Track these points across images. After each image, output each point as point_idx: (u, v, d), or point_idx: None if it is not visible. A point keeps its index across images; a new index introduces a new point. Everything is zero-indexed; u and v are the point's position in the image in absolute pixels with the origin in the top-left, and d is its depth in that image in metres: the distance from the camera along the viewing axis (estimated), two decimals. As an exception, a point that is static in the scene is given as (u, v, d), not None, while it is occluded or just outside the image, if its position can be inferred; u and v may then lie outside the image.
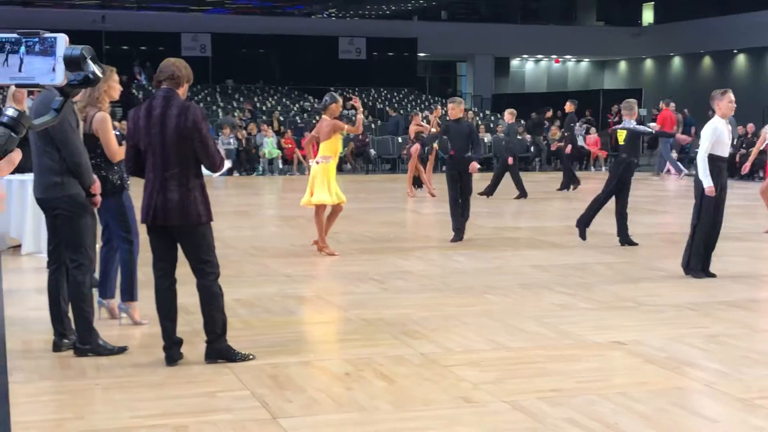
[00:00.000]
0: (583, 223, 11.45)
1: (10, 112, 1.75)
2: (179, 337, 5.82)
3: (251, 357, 5.86)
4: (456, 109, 11.38)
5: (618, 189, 11.22)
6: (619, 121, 16.98)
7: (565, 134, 19.87)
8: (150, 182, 5.67)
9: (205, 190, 5.71)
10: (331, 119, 10.23)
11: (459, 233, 11.35)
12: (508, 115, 18.45)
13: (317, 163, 10.28)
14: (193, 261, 5.74)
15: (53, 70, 1.84)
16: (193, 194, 5.60)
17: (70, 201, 5.92)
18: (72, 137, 5.88)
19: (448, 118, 11.20)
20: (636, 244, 11.31)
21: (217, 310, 5.75)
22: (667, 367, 5.85)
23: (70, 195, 5.92)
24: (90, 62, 1.83)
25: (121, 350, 6.08)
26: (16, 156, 1.79)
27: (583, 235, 11.39)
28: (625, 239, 11.37)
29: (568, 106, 19.53)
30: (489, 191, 17.90)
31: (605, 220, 14.08)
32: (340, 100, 10.47)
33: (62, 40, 1.86)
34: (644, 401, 5.12)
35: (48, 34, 1.87)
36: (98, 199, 6.18)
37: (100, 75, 1.83)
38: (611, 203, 11.38)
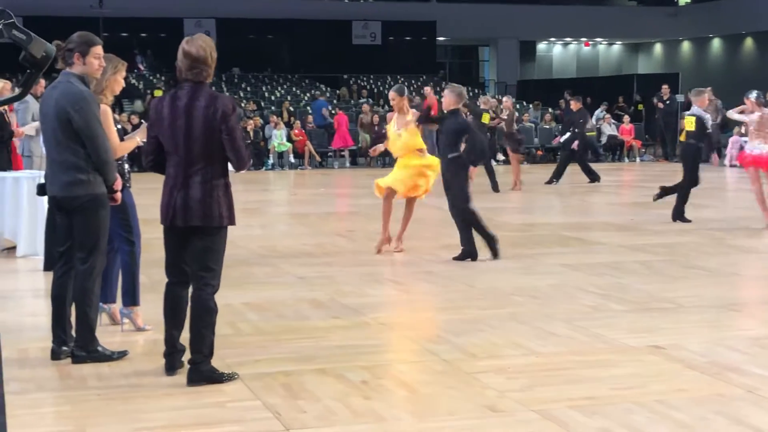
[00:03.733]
0: (679, 214, 13.11)
1: None
2: (182, 344, 5.79)
3: (236, 376, 5.73)
4: (449, 98, 10.07)
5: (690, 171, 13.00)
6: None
7: (575, 131, 19.88)
8: (171, 179, 5.56)
9: (229, 190, 5.60)
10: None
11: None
12: (575, 103, 19.91)
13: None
14: (196, 265, 5.61)
15: None
16: (216, 193, 5.50)
17: (95, 200, 5.96)
18: (100, 132, 5.93)
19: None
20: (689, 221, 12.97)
21: (208, 327, 5.61)
22: (708, 372, 5.83)
23: (95, 194, 5.96)
24: (2, 28, 1.73)
25: (122, 355, 6.12)
26: None
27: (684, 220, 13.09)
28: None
29: (574, 105, 19.85)
30: (556, 176, 19.74)
31: (640, 216, 14.05)
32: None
33: None
34: (684, 409, 5.12)
35: None
36: (119, 195, 6.24)
37: (23, 38, 1.75)
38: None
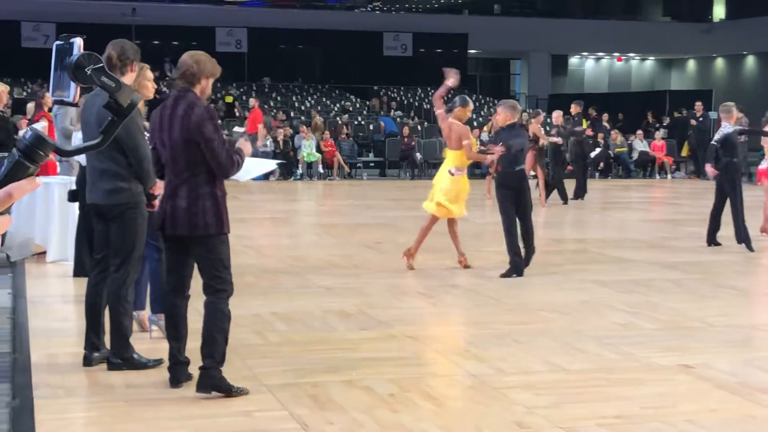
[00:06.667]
0: (746, 239, 12.05)
1: (28, 135, 1.64)
2: (187, 357, 5.75)
3: (246, 391, 5.63)
4: (504, 113, 10.02)
5: (729, 191, 12.13)
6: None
7: (575, 138, 19.80)
8: (165, 188, 5.68)
9: (218, 199, 5.56)
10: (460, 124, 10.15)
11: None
12: (575, 107, 19.52)
13: (451, 174, 10.06)
14: (204, 276, 5.63)
15: (68, 83, 1.75)
16: (202, 202, 5.49)
17: (134, 207, 6.04)
18: (142, 142, 6.00)
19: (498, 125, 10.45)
20: (719, 245, 12.21)
21: (221, 332, 5.55)
22: (739, 393, 5.80)
23: (135, 202, 6.05)
24: (89, 73, 1.71)
25: (157, 363, 6.15)
26: (6, 221, 1.61)
27: (750, 247, 12.03)
28: (711, 240, 12.33)
29: (574, 108, 19.57)
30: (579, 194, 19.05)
31: (671, 234, 13.97)
32: (471, 104, 10.38)
33: (77, 45, 1.76)
34: (714, 430, 5.09)
35: (71, 39, 1.77)
36: (157, 202, 6.30)
37: (112, 85, 1.74)
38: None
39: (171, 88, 5.75)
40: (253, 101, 25.68)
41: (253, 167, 6.16)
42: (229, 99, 30.54)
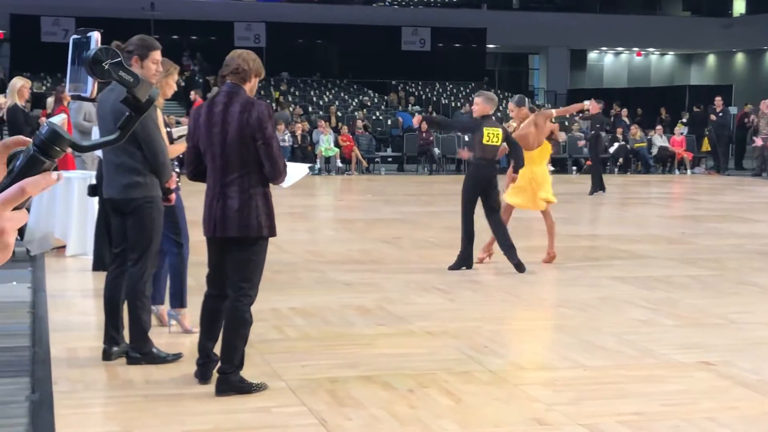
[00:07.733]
0: None
1: (44, 130, 1.59)
2: (216, 354, 5.69)
3: (264, 386, 5.62)
4: (481, 104, 9.90)
5: None
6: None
7: (591, 134, 19.72)
8: (210, 189, 5.50)
9: (269, 199, 5.48)
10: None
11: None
12: (595, 105, 19.27)
13: None
14: (236, 275, 5.50)
15: (85, 78, 1.73)
16: (254, 202, 5.37)
17: (150, 202, 6.04)
18: (158, 136, 5.99)
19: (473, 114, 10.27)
20: None
21: (242, 339, 5.50)
22: (760, 391, 5.76)
23: (152, 196, 6.04)
24: (107, 68, 1.68)
25: (176, 357, 6.17)
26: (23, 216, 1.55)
27: None
28: None
29: (594, 107, 19.36)
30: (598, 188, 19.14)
31: (691, 230, 13.91)
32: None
33: (94, 39, 1.73)
34: (734, 427, 5.06)
35: (89, 33, 1.75)
36: (174, 196, 6.31)
37: (130, 80, 1.71)
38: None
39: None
40: (194, 94, 22.63)
41: (291, 173, 6.04)
42: (276, 94, 30.55)
